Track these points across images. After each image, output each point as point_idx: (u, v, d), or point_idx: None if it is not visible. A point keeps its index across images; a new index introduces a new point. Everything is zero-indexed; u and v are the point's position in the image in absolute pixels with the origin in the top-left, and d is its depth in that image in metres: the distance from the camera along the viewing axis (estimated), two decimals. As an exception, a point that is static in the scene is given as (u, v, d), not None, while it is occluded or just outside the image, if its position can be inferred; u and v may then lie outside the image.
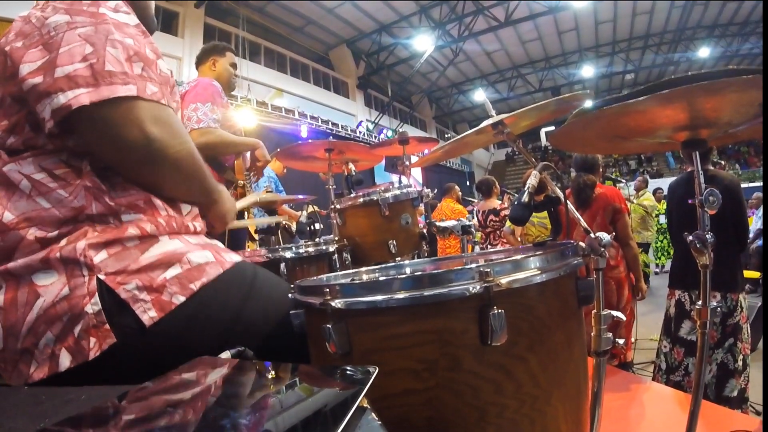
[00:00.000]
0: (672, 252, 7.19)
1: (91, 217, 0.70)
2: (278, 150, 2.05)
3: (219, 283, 0.76)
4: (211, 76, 2.21)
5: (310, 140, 2.21)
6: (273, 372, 0.59)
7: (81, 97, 0.65)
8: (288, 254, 1.50)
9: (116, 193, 0.72)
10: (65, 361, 0.65)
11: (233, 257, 0.83)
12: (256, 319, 0.80)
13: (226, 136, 1.91)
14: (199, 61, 2.32)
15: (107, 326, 0.66)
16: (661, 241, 7.16)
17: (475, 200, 6.80)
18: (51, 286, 0.66)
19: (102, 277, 0.67)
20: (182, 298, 0.71)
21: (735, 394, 2.13)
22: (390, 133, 12.93)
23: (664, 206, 7.36)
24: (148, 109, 0.69)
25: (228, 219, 0.94)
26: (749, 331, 2.26)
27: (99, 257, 0.68)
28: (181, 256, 0.74)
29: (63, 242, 0.68)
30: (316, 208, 3.46)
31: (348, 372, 0.53)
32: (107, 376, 0.68)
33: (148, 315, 0.68)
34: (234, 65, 2.34)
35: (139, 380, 0.54)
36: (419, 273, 0.73)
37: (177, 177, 0.77)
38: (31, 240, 0.68)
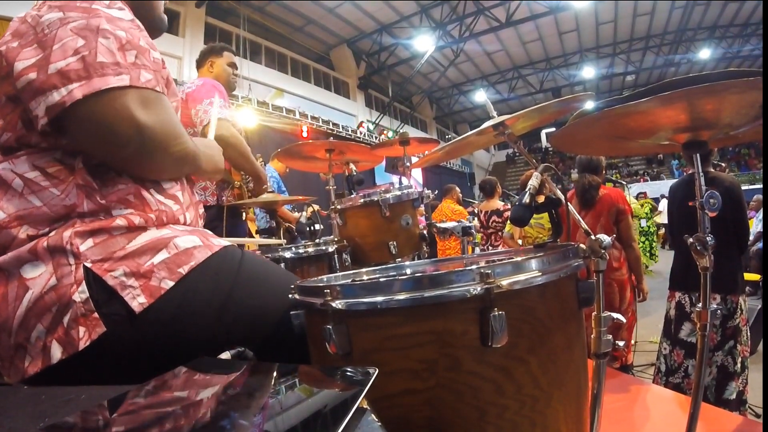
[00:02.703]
0: (653, 256, 7.25)
1: (82, 214, 0.70)
2: (279, 150, 2.05)
3: (208, 267, 0.75)
4: (210, 77, 2.20)
5: (310, 140, 2.22)
6: (273, 372, 0.59)
7: (74, 92, 0.64)
8: (288, 254, 1.51)
9: (107, 190, 0.72)
10: (56, 352, 0.65)
11: (221, 241, 0.82)
12: (248, 304, 0.78)
13: (246, 149, 1.94)
14: (198, 65, 2.32)
15: (96, 315, 0.65)
16: (643, 242, 7.19)
17: (476, 201, 6.81)
18: (39, 278, 0.66)
19: (88, 264, 0.66)
20: (171, 283, 0.70)
21: (734, 396, 2.13)
22: (390, 134, 12.93)
23: (647, 209, 7.41)
24: (138, 94, 0.69)
25: (220, 166, 0.94)
26: (749, 333, 2.26)
27: (85, 245, 0.67)
28: (167, 242, 0.73)
29: (51, 234, 0.68)
30: (317, 207, 3.46)
31: (348, 373, 0.53)
32: (101, 369, 0.67)
33: (138, 301, 0.67)
34: (232, 65, 2.33)
35: (134, 373, 0.54)
36: (420, 274, 0.73)
37: (172, 168, 0.79)
38: (23, 238, 0.68)
